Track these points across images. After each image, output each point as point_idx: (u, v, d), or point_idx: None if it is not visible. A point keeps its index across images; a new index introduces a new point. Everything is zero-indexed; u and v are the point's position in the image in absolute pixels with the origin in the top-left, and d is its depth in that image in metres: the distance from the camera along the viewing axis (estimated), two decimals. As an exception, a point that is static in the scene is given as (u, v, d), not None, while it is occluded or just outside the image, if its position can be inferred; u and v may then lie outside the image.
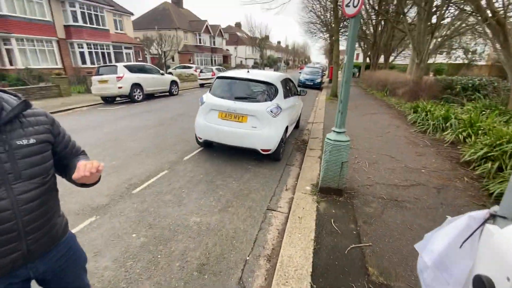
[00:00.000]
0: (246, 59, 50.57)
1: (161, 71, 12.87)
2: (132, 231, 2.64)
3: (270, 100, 4.26)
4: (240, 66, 42.42)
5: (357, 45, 14.84)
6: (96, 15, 18.75)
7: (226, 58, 43.35)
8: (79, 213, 2.91)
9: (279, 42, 75.82)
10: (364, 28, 20.60)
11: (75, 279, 1.26)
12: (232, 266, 2.22)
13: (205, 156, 4.70)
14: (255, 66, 43.64)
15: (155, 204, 3.13)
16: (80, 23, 17.58)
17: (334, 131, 3.09)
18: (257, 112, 4.11)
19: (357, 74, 27.87)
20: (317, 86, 17.55)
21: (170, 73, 25.06)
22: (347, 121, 3.14)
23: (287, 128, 4.65)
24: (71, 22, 17.31)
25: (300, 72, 20.65)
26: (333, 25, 12.72)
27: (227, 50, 45.96)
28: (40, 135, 1.02)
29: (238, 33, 50.84)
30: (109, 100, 11.07)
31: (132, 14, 24.19)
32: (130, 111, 8.98)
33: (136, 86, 10.93)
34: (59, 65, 17.01)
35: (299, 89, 6.32)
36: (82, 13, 17.67)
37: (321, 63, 38.61)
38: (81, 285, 1.31)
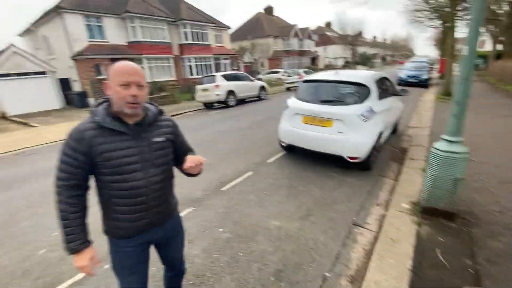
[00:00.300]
0: (335, 58, 48.19)
1: (251, 78, 13.84)
2: (219, 225, 2.91)
3: (361, 103, 3.87)
4: (329, 66, 40.81)
5: (482, 29, 11.75)
6: (202, 33, 21.91)
7: (314, 60, 42.58)
8: (180, 203, 3.42)
9: (374, 37, 68.78)
10: (493, 7, 16.08)
11: (177, 249, 1.58)
12: (310, 279, 2.11)
13: (288, 160, 4.71)
14: (346, 65, 41.01)
15: (240, 202, 3.35)
16: (190, 41, 20.94)
17: (445, 139, 2.51)
18: (344, 116, 3.81)
19: (483, 65, 22.09)
20: (423, 84, 14.87)
21: (259, 79, 26.68)
22: (465, 126, 2.49)
23: (381, 134, 4.12)
24: (183, 41, 20.87)
25: (400, 69, 18.00)
26: (446, 9, 10.47)
27: (316, 51, 45.03)
28: (168, 135, 1.35)
29: (328, 33, 49.04)
30: (208, 106, 12.72)
31: (229, 27, 27.03)
32: (224, 115, 10.03)
33: (231, 92, 12.11)
34: (174, 77, 20.76)
35: (398, 88, 5.51)
36: (192, 33, 21.00)
37: (428, 56, 32.48)
38: (180, 256, 1.63)
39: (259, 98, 14.24)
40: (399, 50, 67.20)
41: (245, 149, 5.48)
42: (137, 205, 1.24)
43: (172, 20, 19.68)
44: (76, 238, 1.17)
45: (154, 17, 18.11)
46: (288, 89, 19.29)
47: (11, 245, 2.77)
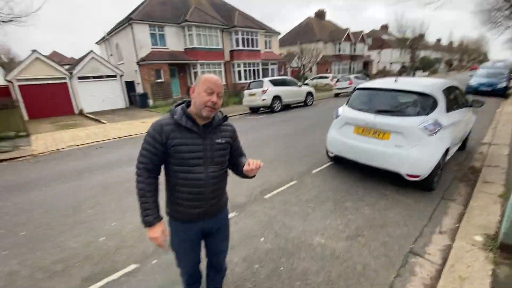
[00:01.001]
0: (391, 63, 44.73)
1: (298, 83, 13.64)
2: (260, 234, 2.86)
3: (426, 114, 3.45)
4: (383, 72, 38.05)
5: None
6: (252, 39, 22.48)
7: (366, 65, 40.20)
8: (223, 207, 3.48)
9: (438, 40, 61.97)
10: None
11: (223, 241, 1.73)
12: (358, 310, 1.90)
13: (335, 172, 4.45)
14: (402, 70, 37.67)
15: (282, 213, 3.26)
16: (240, 47, 21.66)
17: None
18: (405, 128, 3.44)
19: None
20: (500, 93, 12.78)
21: (306, 84, 26.22)
22: None
23: (447, 150, 3.61)
24: (234, 47, 21.69)
25: (471, 76, 15.74)
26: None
27: (369, 56, 42.46)
28: (227, 138, 1.53)
29: (384, 36, 45.84)
30: (254, 110, 12.92)
31: (279, 33, 27.21)
32: (269, 120, 10.05)
33: (277, 98, 12.11)
34: (223, 82, 21.67)
35: (469, 98, 4.79)
36: (243, 39, 21.70)
37: (506, 61, 27.62)
38: (225, 249, 1.76)
39: (305, 104, 13.96)
40: (470, 54, 59.16)
41: (290, 157, 5.37)
42: (196, 195, 1.45)
43: (225, 27, 20.62)
44: (151, 213, 1.41)
45: (209, 25, 19.22)
46: (337, 95, 18.53)
47: (79, 230, 3.14)
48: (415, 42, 30.44)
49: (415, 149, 3.36)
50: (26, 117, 14.62)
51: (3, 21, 7.55)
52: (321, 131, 7.45)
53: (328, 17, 39.20)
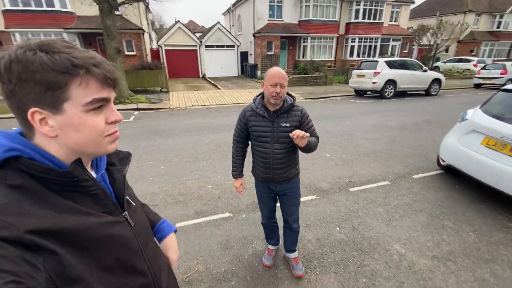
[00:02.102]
0: None
1: (424, 67, 11.45)
2: (337, 224, 2.99)
3: None
4: None
5: None
6: (376, 10, 19.74)
7: (542, 47, 28.74)
8: (306, 188, 3.73)
9: None
10: None
11: (291, 205, 2.14)
12: (423, 329, 1.86)
13: (441, 183, 3.86)
14: None
15: (365, 210, 3.22)
16: (360, 19, 19.52)
17: None
18: None
19: None
20: None
21: (436, 67, 21.48)
22: None
23: None
24: (352, 20, 19.75)
25: None
26: None
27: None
28: (293, 123, 1.82)
29: None
30: (360, 93, 11.91)
31: (413, 2, 22.67)
32: (375, 108, 9.15)
33: (390, 82, 10.70)
34: (332, 58, 20.53)
35: None
36: (364, 10, 19.38)
37: None
38: (292, 213, 2.18)
39: (427, 93, 11.74)
40: None
41: (389, 154, 4.93)
42: (265, 163, 1.93)
43: (347, -4, 18.85)
44: (236, 171, 2.12)
45: (329, -6, 18.04)
46: (478, 86, 14.49)
47: (195, 175, 4.12)
48: None
49: None
50: (167, 76, 18.63)
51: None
52: (437, 130, 6.32)
53: (494, -22, 29.17)
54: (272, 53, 18.56)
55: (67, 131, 0.55)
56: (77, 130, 0.56)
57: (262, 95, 1.86)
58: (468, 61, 21.41)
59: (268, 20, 18.38)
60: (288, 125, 1.80)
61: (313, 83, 15.09)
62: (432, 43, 21.01)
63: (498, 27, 25.66)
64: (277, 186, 2.02)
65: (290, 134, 1.61)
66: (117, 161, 0.76)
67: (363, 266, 2.40)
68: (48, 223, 0.51)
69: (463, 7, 25.21)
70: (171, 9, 77.21)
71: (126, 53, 15.88)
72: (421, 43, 22.25)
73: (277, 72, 1.67)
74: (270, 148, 1.85)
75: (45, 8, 13.67)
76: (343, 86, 14.82)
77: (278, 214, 2.32)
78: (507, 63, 13.89)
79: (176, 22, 18.74)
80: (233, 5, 22.66)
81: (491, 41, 25.82)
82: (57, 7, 13.85)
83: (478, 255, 2.53)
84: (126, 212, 0.69)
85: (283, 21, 18.78)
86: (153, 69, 12.91)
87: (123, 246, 0.64)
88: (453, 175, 4.06)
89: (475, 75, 14.89)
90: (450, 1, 26.98)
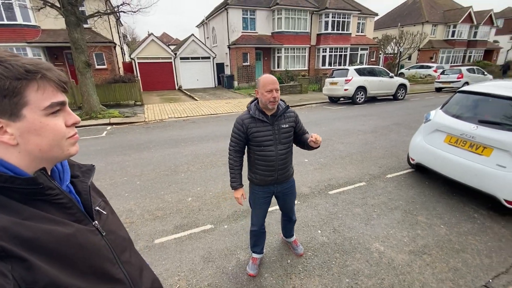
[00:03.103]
0: (530, 52, 34.19)
1: (390, 74, 12.22)
2: (319, 227, 3.03)
3: (550, 134, 2.77)
4: (505, 63, 29.58)
5: None
6: (344, 22, 20.90)
7: (490, 53, 32.01)
8: (288, 194, 3.76)
9: None
10: None
11: (290, 202, 2.30)
12: (405, 323, 1.92)
13: (413, 181, 4.08)
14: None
15: (344, 212, 3.31)
16: (329, 30, 20.52)
17: None
18: (515, 147, 2.86)
19: None
20: None
21: (401, 73, 23.01)
22: None
23: None
24: (322, 31, 20.72)
25: None
26: None
27: (496, 42, 33.52)
28: (290, 123, 1.98)
29: (526, 15, 34.94)
30: (334, 100, 12.40)
31: (376, 14, 24.34)
32: (348, 113, 9.55)
33: (361, 88, 11.27)
34: (305, 67, 21.27)
35: None
36: (333, 22, 20.44)
37: None
38: (291, 207, 2.36)
39: (394, 98, 12.49)
40: None
41: (363, 156, 5.14)
42: (269, 167, 1.98)
43: (316, 9, 19.81)
44: (236, 181, 2.08)
45: (299, 7, 18.86)
46: (439, 89, 15.70)
47: (174, 188, 4.00)
48: None
49: (525, 173, 2.78)
50: (141, 89, 18.18)
51: (133, 11, 9.43)
52: (406, 131, 6.72)
53: (444, -8, 32.29)
54: (248, 64, 18.87)
55: (28, 137, 0.55)
56: (40, 134, 0.56)
57: (255, 102, 1.94)
58: (428, 67, 23.19)
59: (242, 32, 18.76)
60: (287, 126, 1.96)
61: (289, 92, 15.49)
62: (396, 51, 22.55)
63: (453, 36, 28.22)
64: (279, 187, 2.12)
65: (311, 139, 1.81)
66: (80, 174, 0.75)
67: (346, 266, 2.44)
68: (15, 230, 0.50)
69: (421, 18, 27.52)
70: (144, 22, 76.38)
71: (97, 66, 15.35)
72: (386, 52, 23.80)
73: (271, 78, 1.80)
74: (274, 150, 1.93)
75: (6, 22, 12.91)
76: (317, 94, 15.36)
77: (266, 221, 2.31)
78: (463, 68, 15.25)
79: (149, 34, 18.53)
80: (207, 17, 22.90)
81: (447, 48, 28.28)
82: (20, 21, 13.14)
83: (450, 246, 2.68)
84: (96, 222, 0.69)
85: (257, 33, 19.26)
86: (126, 83, 12.55)
87: (96, 254, 0.64)
88: (422, 173, 4.31)
89: (436, 80, 16.16)
90: (409, 13, 29.35)
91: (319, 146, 1.88)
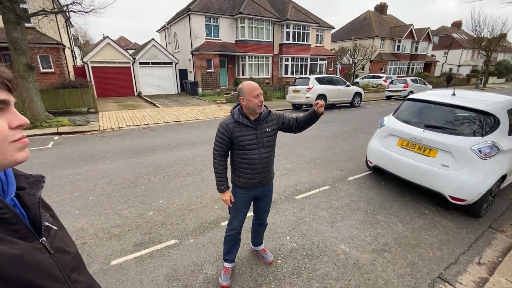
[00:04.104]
0: (459, 66, 39.68)
1: (347, 83, 13.10)
2: (287, 233, 3.03)
3: (482, 136, 3.17)
4: (447, 74, 34.04)
5: None
6: (304, 33, 21.99)
7: (429, 66, 36.37)
8: (255, 201, 3.71)
9: (526, 41, 52.61)
10: None
11: (267, 204, 2.35)
12: (372, 322, 1.97)
13: (372, 182, 4.35)
14: (473, 74, 33.01)
15: (311, 216, 3.37)
16: (290, 41, 21.40)
17: None
18: (454, 147, 3.21)
19: None
20: None
21: (356, 82, 24.85)
22: None
23: (504, 177, 3.28)
24: (284, 41, 21.52)
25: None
26: None
27: (433, 56, 38.25)
28: (273, 126, 2.06)
29: (454, 35, 40.63)
30: (297, 107, 12.85)
31: (333, 27, 26.09)
32: (310, 119, 9.94)
33: (321, 96, 11.85)
34: (269, 76, 21.79)
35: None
36: (293, 33, 21.38)
37: None
38: (267, 210, 2.39)
39: (351, 105, 13.39)
40: None
41: (326, 160, 5.36)
42: (253, 170, 2.03)
43: (278, 20, 20.53)
44: (223, 184, 2.07)
45: (261, 17, 19.36)
46: (389, 97, 17.29)
47: (133, 202, 3.69)
48: (492, 43, 26.35)
49: (464, 171, 3.13)
50: (95, 95, 16.82)
51: (86, 12, 8.73)
52: (363, 136, 7.19)
53: (389, 11, 36.04)
54: (213, 70, 18.70)
55: None
56: None
57: (239, 107, 1.99)
58: (379, 77, 25.50)
59: (206, 38, 18.59)
60: (270, 130, 2.03)
61: (254, 99, 15.64)
62: (351, 62, 24.36)
63: (398, 49, 31.49)
64: (261, 189, 2.17)
65: (314, 103, 2.01)
66: (27, 185, 0.69)
67: (315, 271, 2.45)
68: None
69: (372, 33, 30.27)
70: (100, 25, 71.40)
71: (43, 70, 13.81)
72: (343, 62, 25.58)
73: (255, 85, 1.88)
74: (258, 154, 1.98)
75: None
76: (281, 101, 15.79)
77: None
78: (408, 78, 17.06)
79: (105, 37, 17.33)
80: (168, 22, 22.27)
81: (394, 60, 31.44)
82: None
83: (407, 242, 2.88)
84: (44, 239, 0.64)
85: (220, 40, 19.25)
86: (77, 88, 11.48)
87: (43, 274, 0.59)
88: (380, 174, 4.62)
89: (386, 89, 17.79)
90: (362, 28, 32.10)
91: (323, 113, 2.09)
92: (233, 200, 2.14)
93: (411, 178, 3.64)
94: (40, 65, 13.74)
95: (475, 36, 27.15)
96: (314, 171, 4.80)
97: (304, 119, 2.16)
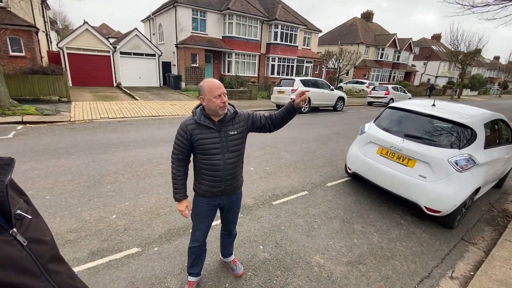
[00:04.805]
0: (436, 77, 41.64)
1: (331, 87, 13.20)
2: (261, 242, 2.86)
3: (459, 148, 3.18)
4: (426, 84, 35.54)
5: None
6: (291, 34, 22.00)
7: (409, 75, 37.79)
8: (230, 206, 3.52)
9: (496, 58, 56.42)
10: None
11: (234, 215, 2.15)
12: None
13: (350, 189, 4.30)
14: (448, 86, 34.74)
15: (287, 223, 3.23)
16: (278, 41, 21.33)
17: None
18: (432, 158, 3.20)
19: None
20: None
21: (340, 87, 25.27)
22: None
23: (478, 190, 3.32)
24: (272, 41, 21.41)
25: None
26: None
27: (413, 66, 39.80)
28: (240, 128, 1.83)
29: (433, 47, 42.56)
30: (281, 108, 12.77)
31: (320, 31, 26.35)
32: (293, 121, 9.83)
33: (305, 98, 11.83)
34: (255, 74, 21.61)
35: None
36: (281, 33, 21.32)
37: None
38: (234, 221, 2.20)
39: (334, 109, 13.51)
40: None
41: (306, 164, 5.26)
42: (216, 177, 1.81)
43: (266, 19, 20.38)
44: (179, 192, 1.87)
45: (250, 15, 19.12)
46: (371, 103, 17.68)
47: (95, 204, 3.37)
48: (468, 57, 27.81)
49: (440, 183, 3.12)
50: (70, 83, 15.81)
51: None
52: (344, 141, 7.20)
53: (374, 19, 37.09)
54: (197, 65, 18.21)
55: None
56: None
57: (201, 106, 1.78)
58: (362, 83, 26.08)
59: (192, 32, 18.07)
60: (236, 132, 1.81)
61: (238, 97, 15.42)
62: (336, 66, 24.72)
63: (381, 57, 32.44)
64: (225, 199, 1.96)
65: (297, 93, 1.78)
66: None
67: (287, 285, 2.31)
68: None
69: (357, 39, 30.93)
70: (80, 10, 67.71)
71: (11, 53, 12.79)
72: (328, 66, 25.92)
73: (217, 83, 1.67)
74: (221, 159, 1.77)
75: None
76: (266, 101, 15.66)
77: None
78: (389, 86, 17.53)
79: (84, 23, 16.33)
80: (153, 13, 21.43)
81: (377, 67, 32.34)
82: None
83: (382, 254, 2.81)
84: (14, 230, 0.59)
85: (207, 35, 18.79)
86: (48, 74, 10.67)
87: (11, 269, 0.54)
88: (358, 181, 4.59)
89: (368, 95, 18.19)
90: (348, 33, 32.72)
91: (302, 106, 1.88)
92: (189, 211, 1.95)
93: (389, 187, 3.61)
94: (9, 47, 12.72)
95: (452, 49, 28.52)
96: (293, 175, 4.68)
97: (280, 115, 1.92)
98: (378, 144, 3.81)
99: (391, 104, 4.19)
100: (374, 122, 4.19)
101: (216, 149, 1.76)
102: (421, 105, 3.85)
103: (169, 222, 3.05)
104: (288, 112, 1.89)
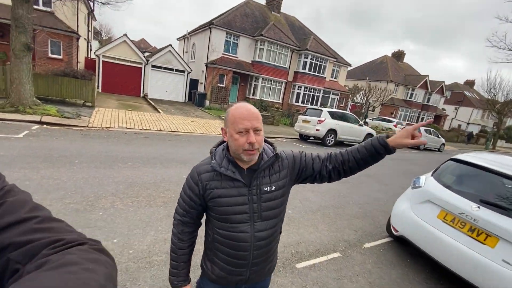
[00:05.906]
0: (468, 123, 39.53)
1: (360, 122, 12.43)
2: (279, 330, 2.04)
3: None
4: (457, 129, 33.67)
5: None
6: (320, 65, 21.88)
7: (439, 118, 36.17)
8: (242, 261, 2.75)
9: (536, 111, 53.10)
10: None
11: None
12: None
13: (393, 256, 3.37)
14: (481, 134, 32.63)
15: (315, 302, 2.38)
16: (306, 70, 21.22)
17: None
18: (528, 242, 2.30)
19: None
20: None
21: (366, 123, 24.36)
22: None
23: None
24: (300, 70, 21.34)
25: None
26: None
27: (443, 109, 38.22)
28: (281, 181, 1.15)
29: (466, 92, 40.94)
30: (304, 138, 12.08)
31: (350, 65, 26.15)
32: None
33: (332, 131, 11.12)
34: (279, 100, 21.36)
35: None
36: (311, 63, 21.25)
37: None
38: None
39: (361, 146, 12.60)
40: None
41: (336, 212, 4.41)
42: (238, 259, 1.14)
43: (297, 48, 20.48)
44: (178, 275, 1.19)
45: (282, 43, 19.29)
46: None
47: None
48: (505, 108, 26.09)
49: (544, 281, 2.19)
50: (100, 89, 16.27)
51: (102, 3, 8.30)
52: (378, 186, 6.29)
53: (405, 59, 36.74)
54: (224, 85, 18.27)
55: None
56: None
57: (223, 145, 1.15)
58: (390, 121, 24.97)
59: (223, 53, 18.39)
60: (274, 188, 1.13)
61: (260, 121, 15.00)
62: (364, 101, 24.02)
63: (411, 97, 31.44)
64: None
65: (408, 130, 1.16)
66: None
67: None
68: None
69: (386, 77, 30.38)
70: (124, 25, 73.65)
71: (50, 55, 13.41)
72: (355, 100, 25.28)
73: (246, 110, 1.02)
74: (249, 232, 1.11)
75: None
76: (288, 128, 15.10)
77: None
78: (422, 128, 16.40)
79: (123, 35, 17.13)
80: (189, 32, 22.34)
81: (406, 107, 31.25)
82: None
83: None
84: None
85: (237, 57, 19.04)
86: (78, 78, 10.85)
87: None
88: (402, 244, 3.66)
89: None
90: (377, 71, 32.33)
91: (424, 143, 1.20)
92: None
93: (454, 267, 2.69)
94: (49, 49, 13.37)
95: (489, 97, 27.03)
96: (321, 225, 3.85)
97: (357, 156, 1.21)
98: (440, 206, 2.95)
99: (456, 156, 3.36)
100: (433, 174, 3.35)
101: (243, 213, 1.10)
102: (502, 162, 2.98)
103: (161, 279, 2.32)
104: (374, 153, 1.20)
